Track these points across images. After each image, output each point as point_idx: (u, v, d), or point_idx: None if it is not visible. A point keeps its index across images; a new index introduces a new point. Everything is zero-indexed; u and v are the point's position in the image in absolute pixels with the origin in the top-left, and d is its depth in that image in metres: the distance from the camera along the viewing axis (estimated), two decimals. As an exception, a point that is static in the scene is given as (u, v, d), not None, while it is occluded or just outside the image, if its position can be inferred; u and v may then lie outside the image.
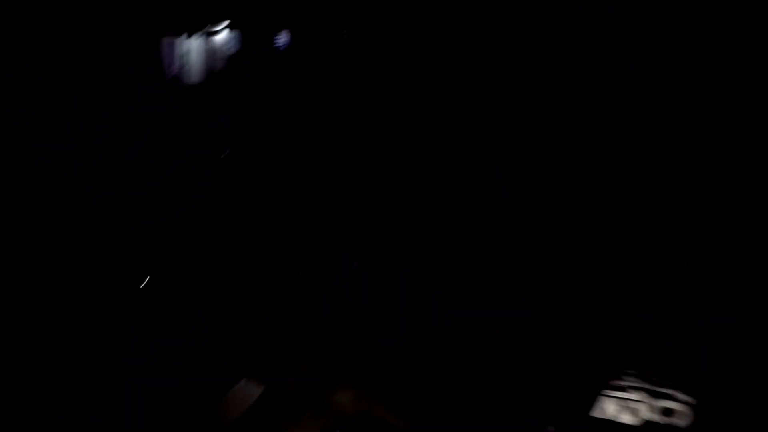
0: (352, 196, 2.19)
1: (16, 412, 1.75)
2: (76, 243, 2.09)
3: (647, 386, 1.77)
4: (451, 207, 2.38)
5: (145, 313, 2.08)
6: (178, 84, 2.33)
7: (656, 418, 1.71)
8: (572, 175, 2.19)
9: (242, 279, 2.26)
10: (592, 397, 1.90)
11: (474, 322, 2.20)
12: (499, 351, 2.12)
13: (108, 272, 2.09)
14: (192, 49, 2.56)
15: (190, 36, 2.40)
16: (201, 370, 1.98)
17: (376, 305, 2.27)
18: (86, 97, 2.19)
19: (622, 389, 1.80)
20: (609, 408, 1.78)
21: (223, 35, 2.62)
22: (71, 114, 2.14)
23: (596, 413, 1.79)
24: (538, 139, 2.25)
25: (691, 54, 1.93)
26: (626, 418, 1.73)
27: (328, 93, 2.42)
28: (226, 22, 2.61)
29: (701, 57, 1.92)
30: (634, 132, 2.08)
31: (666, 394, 1.74)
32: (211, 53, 2.63)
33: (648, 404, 1.73)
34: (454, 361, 2.12)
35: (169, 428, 1.83)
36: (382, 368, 2.07)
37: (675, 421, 1.69)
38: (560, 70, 2.17)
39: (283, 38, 2.78)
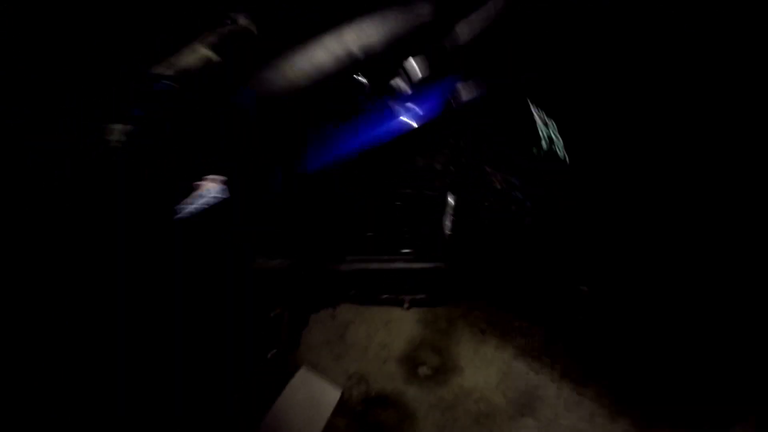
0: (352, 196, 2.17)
1: (11, 413, 1.74)
2: (69, 243, 2.07)
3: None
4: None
5: (145, 313, 2.06)
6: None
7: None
8: (572, 175, 2.19)
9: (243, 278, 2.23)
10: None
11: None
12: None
13: (103, 272, 2.07)
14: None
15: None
16: (201, 370, 1.97)
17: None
18: (79, 95, 2.16)
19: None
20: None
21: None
22: (64, 112, 2.11)
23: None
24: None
25: (691, 53, 1.93)
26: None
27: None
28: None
29: (701, 56, 1.92)
30: (634, 132, 2.08)
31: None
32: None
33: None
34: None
35: (169, 428, 1.83)
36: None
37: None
38: (558, 69, 2.15)
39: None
